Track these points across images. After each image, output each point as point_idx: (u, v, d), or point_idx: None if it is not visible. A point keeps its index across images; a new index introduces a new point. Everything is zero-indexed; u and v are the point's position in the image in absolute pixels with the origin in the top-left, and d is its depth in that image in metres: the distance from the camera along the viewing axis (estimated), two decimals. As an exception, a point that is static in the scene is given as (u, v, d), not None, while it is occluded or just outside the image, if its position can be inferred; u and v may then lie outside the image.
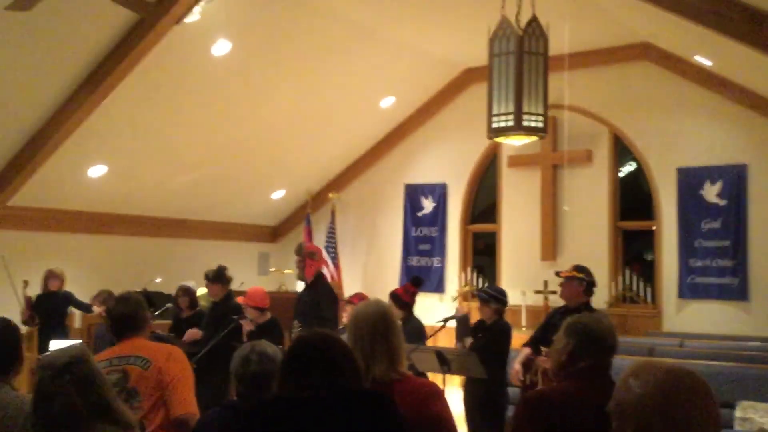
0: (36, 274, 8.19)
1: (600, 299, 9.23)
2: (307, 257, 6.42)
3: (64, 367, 2.11)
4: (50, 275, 8.07)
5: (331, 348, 2.16)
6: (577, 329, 2.63)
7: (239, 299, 6.26)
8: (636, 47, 9.67)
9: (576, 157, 10.04)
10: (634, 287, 9.76)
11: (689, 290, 9.36)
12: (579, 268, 5.16)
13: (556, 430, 2.42)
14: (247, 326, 6.01)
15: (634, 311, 9.67)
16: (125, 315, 3.46)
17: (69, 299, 8.16)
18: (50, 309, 8.05)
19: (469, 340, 5.52)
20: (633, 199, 10.21)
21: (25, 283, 7.95)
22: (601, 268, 9.65)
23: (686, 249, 9.42)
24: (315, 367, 2.10)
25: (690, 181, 9.42)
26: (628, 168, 10.27)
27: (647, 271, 9.97)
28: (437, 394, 2.61)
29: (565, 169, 10.10)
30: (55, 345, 7.56)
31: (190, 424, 3.14)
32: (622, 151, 10.17)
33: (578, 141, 10.06)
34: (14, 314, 7.88)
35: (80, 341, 7.56)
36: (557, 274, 5.35)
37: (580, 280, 5.08)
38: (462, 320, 5.60)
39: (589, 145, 10.12)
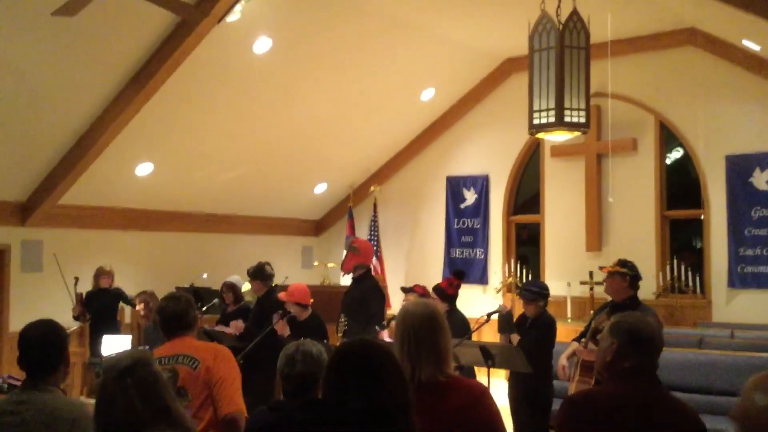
0: (86, 270, 8.39)
1: (648, 290, 9.11)
2: (349, 251, 6.45)
3: (126, 370, 2.13)
4: (101, 272, 8.25)
5: (374, 359, 2.15)
6: (622, 329, 2.59)
7: (280, 295, 6.29)
8: (681, 32, 9.47)
9: (621, 146, 9.89)
10: (683, 277, 9.58)
11: (739, 280, 9.17)
12: (622, 263, 5.10)
13: (596, 425, 2.40)
14: (280, 330, 6.02)
15: (682, 301, 9.50)
16: (176, 313, 3.52)
17: (119, 296, 8.34)
18: (101, 305, 8.24)
19: (516, 337, 5.47)
20: (680, 187, 10.02)
21: (76, 280, 8.15)
22: (648, 259, 9.53)
23: (735, 238, 9.22)
24: (356, 377, 2.10)
25: (739, 168, 9.22)
26: (676, 155, 10.07)
27: (696, 261, 9.79)
28: (485, 396, 2.60)
29: (610, 158, 9.96)
30: (107, 341, 7.76)
31: (238, 422, 3.19)
32: (668, 138, 9.98)
33: (623, 129, 9.90)
34: (67, 311, 8.12)
35: (130, 336, 7.76)
36: (601, 269, 5.31)
37: (623, 275, 5.03)
38: (506, 316, 5.57)
39: (635, 134, 9.95)
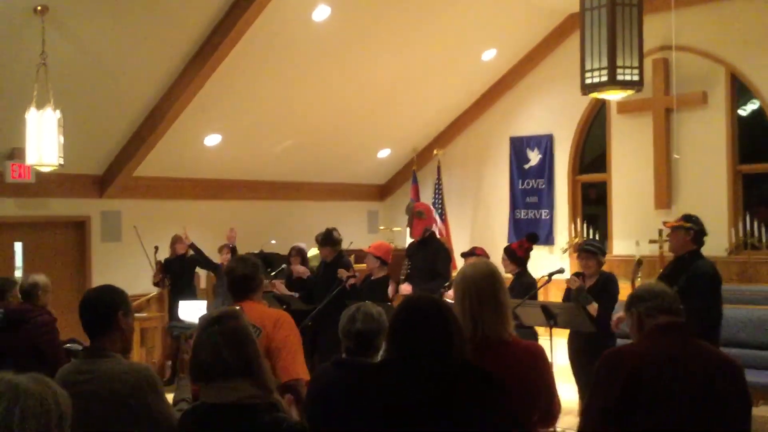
0: (160, 239, 8.76)
1: (720, 247, 8.91)
2: (414, 216, 6.57)
3: (214, 320, 2.31)
4: (177, 240, 8.61)
5: (446, 317, 2.17)
6: (633, 300, 2.74)
7: (365, 248, 6.56)
8: (751, -22, 9.08)
9: (690, 100, 9.60)
10: (756, 233, 9.32)
11: (817, 234, 8.87)
12: (686, 218, 5.04)
13: (631, 383, 2.46)
14: (351, 281, 6.25)
15: (756, 258, 9.24)
16: (244, 276, 3.57)
17: (196, 261, 8.69)
18: (179, 271, 8.62)
19: (594, 307, 5.33)
20: (754, 140, 9.68)
21: (156, 249, 8.53)
22: (719, 215, 9.30)
23: (813, 191, 8.90)
24: (428, 334, 2.11)
25: (816, 118, 8.85)
26: (751, 107, 9.71)
27: (771, 216, 9.49)
28: (542, 358, 2.65)
29: (679, 113, 9.69)
30: (183, 306, 8.13)
31: (298, 389, 3.26)
32: (740, 90, 9.63)
33: (692, 83, 9.60)
34: (146, 278, 8.54)
35: (205, 301, 8.09)
36: (665, 224, 5.25)
37: (687, 230, 4.97)
38: (579, 291, 5.44)
39: (704, 87, 9.63)
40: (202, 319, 2.39)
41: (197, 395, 2.48)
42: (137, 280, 8.61)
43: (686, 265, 4.92)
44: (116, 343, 2.85)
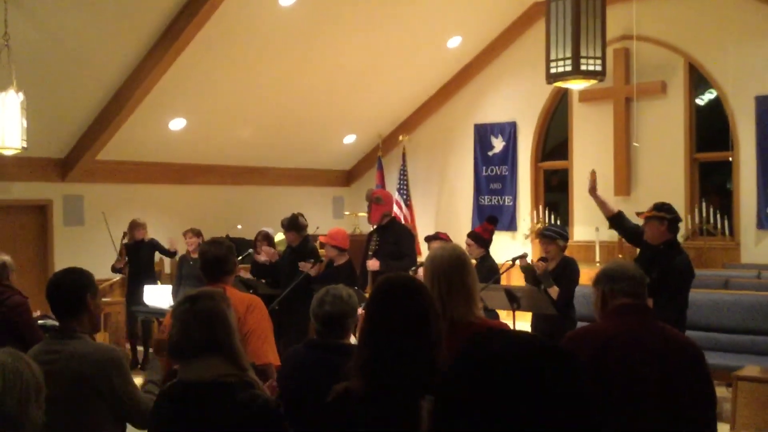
0: (123, 225, 8.66)
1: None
2: (373, 202, 6.64)
3: (188, 299, 2.35)
4: (135, 224, 8.41)
5: (422, 295, 2.20)
6: (599, 277, 2.78)
7: (321, 238, 6.58)
8: (710, -29, 9.30)
9: (649, 89, 9.83)
10: (711, 220, 9.60)
11: (768, 221, 9.17)
12: (659, 206, 4.90)
13: (595, 361, 2.52)
14: (314, 272, 6.29)
15: (711, 244, 9.54)
16: (217, 258, 3.54)
17: (155, 246, 8.57)
18: (139, 257, 8.46)
19: (555, 290, 5.41)
20: (710, 130, 9.95)
21: (124, 234, 8.37)
22: (677, 202, 9.37)
23: (765, 179, 9.19)
24: (404, 314, 2.14)
25: (769, 109, 9.13)
26: (709, 97, 9.97)
27: (726, 204, 9.78)
28: None
29: (638, 102, 9.90)
30: (148, 290, 8.08)
31: (268, 373, 3.25)
32: (698, 80, 9.88)
33: (651, 72, 9.83)
34: (109, 262, 8.45)
35: (170, 286, 8.04)
36: (638, 215, 5.14)
37: (661, 219, 4.83)
38: (543, 274, 5.56)
39: (663, 76, 9.87)
40: (179, 298, 2.44)
41: (167, 378, 2.52)
42: (101, 264, 8.50)
43: (662, 257, 4.77)
44: (85, 325, 2.89)
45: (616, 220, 5.28)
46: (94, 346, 2.86)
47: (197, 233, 7.94)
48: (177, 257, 8.44)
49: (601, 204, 5.34)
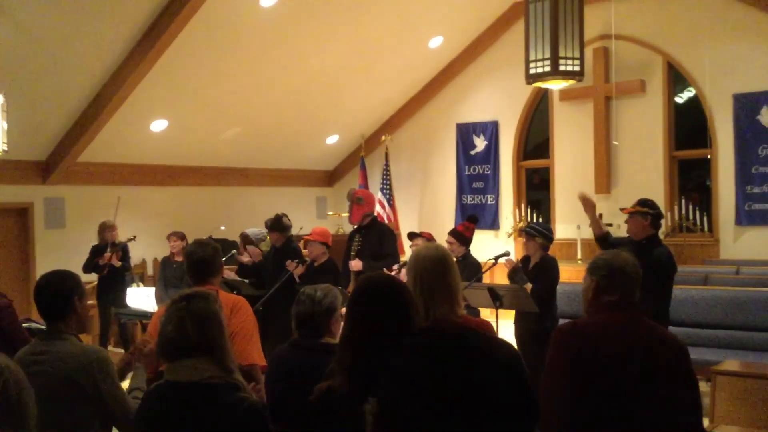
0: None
1: (656, 230, 9.25)
2: (354, 202, 6.67)
3: (184, 297, 2.38)
4: (106, 226, 8.14)
5: (403, 294, 2.26)
6: (599, 266, 2.74)
7: (306, 237, 6.61)
8: (688, -30, 9.40)
9: (629, 88, 9.93)
10: (691, 216, 9.72)
11: (746, 217, 9.30)
12: (642, 202, 5.03)
13: (584, 356, 2.57)
14: (298, 271, 6.32)
15: (690, 240, 9.65)
16: (203, 259, 3.54)
17: (126, 250, 8.29)
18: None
19: (529, 286, 5.51)
20: (689, 128, 10.07)
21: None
22: (657, 199, 9.41)
23: (743, 176, 9.32)
24: (387, 312, 2.19)
25: (746, 106, 9.26)
26: (688, 94, 10.08)
27: (704, 200, 9.90)
28: (490, 332, 2.77)
29: (618, 101, 10.00)
30: (131, 292, 8.03)
31: (253, 374, 3.27)
32: (676, 79, 9.99)
33: (631, 71, 9.92)
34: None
35: (153, 288, 7.98)
36: (622, 210, 5.24)
37: (644, 214, 4.96)
38: (515, 271, 5.63)
39: (642, 75, 9.97)
40: (174, 296, 2.47)
41: (154, 379, 2.53)
42: (81, 266, 8.47)
43: (644, 252, 4.79)
44: (72, 326, 2.92)
45: (602, 239, 5.34)
46: (81, 347, 2.88)
47: (181, 236, 7.88)
48: (159, 258, 8.39)
49: (594, 222, 5.39)
